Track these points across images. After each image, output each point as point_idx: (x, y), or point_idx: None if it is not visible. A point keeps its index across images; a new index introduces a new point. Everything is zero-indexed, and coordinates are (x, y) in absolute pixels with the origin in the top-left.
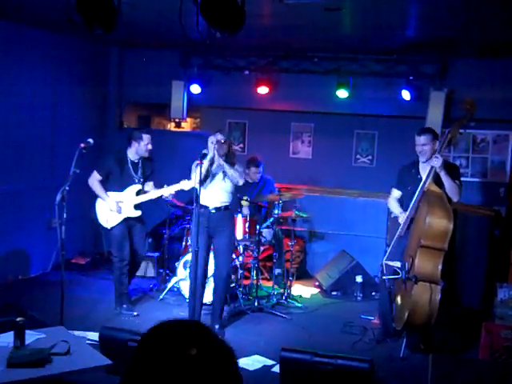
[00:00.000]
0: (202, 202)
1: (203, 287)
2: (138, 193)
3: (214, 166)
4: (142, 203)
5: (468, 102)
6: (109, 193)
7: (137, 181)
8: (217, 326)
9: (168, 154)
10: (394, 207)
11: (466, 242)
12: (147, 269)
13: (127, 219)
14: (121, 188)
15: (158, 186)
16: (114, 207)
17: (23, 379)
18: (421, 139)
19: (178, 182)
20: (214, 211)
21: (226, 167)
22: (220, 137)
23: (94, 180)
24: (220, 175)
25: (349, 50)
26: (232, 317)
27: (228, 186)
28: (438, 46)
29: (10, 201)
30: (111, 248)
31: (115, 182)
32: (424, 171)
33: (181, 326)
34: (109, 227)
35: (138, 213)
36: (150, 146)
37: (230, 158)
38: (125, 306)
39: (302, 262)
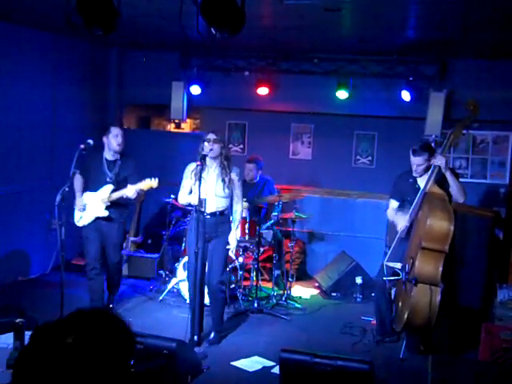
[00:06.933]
0: (198, 207)
1: (202, 291)
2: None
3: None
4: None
5: (471, 103)
6: (86, 193)
7: (109, 180)
8: (212, 335)
9: (168, 155)
10: (397, 218)
11: (465, 242)
12: (147, 270)
13: (98, 223)
14: (94, 186)
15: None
16: (78, 205)
17: None
18: (417, 160)
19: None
20: (208, 217)
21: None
22: (211, 136)
23: (75, 179)
24: (213, 180)
25: (349, 50)
26: (232, 318)
27: (221, 190)
28: (438, 46)
29: (10, 202)
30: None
31: (90, 179)
32: (422, 181)
33: (66, 316)
34: (80, 225)
35: (106, 213)
36: (119, 139)
37: (225, 161)
38: None
39: (302, 263)
